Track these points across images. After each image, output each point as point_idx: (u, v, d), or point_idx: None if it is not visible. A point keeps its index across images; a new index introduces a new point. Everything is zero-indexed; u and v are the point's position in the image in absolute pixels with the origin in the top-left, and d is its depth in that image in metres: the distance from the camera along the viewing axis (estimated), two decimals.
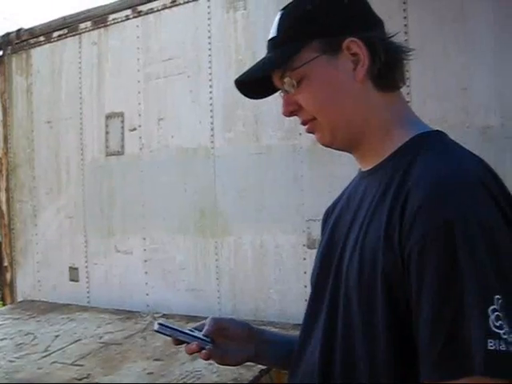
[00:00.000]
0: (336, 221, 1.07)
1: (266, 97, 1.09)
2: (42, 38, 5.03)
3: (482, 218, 0.79)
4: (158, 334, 1.06)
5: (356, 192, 1.04)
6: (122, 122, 4.62)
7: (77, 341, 3.65)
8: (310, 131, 1.03)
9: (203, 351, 1.04)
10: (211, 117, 4.11)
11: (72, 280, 5.02)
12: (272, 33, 1.01)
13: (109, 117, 4.67)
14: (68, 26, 4.80)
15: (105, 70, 4.68)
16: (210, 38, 4.04)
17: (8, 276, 5.61)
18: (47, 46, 5.01)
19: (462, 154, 0.91)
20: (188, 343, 1.05)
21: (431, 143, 0.93)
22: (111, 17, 4.52)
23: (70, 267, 5.03)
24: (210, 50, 4.05)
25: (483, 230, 0.78)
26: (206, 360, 1.06)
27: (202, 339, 1.05)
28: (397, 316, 0.85)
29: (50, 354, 3.44)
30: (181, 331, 1.05)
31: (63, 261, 5.08)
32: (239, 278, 4.06)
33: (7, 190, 5.55)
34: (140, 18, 4.38)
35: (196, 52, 4.13)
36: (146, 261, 4.54)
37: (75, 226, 4.99)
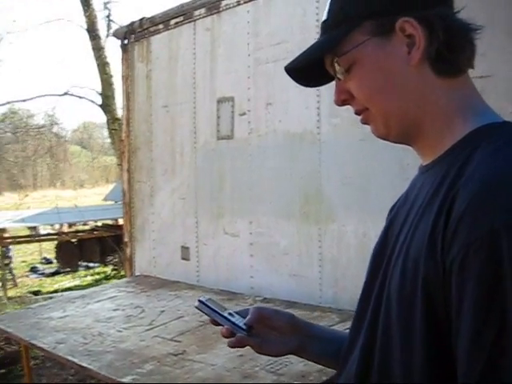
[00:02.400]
0: (392, 218, 1.00)
1: (322, 84, 1.04)
2: (160, 26, 5.23)
3: None
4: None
5: (413, 189, 0.96)
6: (233, 106, 4.69)
7: (179, 317, 3.80)
8: (364, 122, 0.97)
9: (231, 338, 1.03)
10: (318, 102, 4.05)
11: (184, 259, 5.24)
12: (324, 16, 0.96)
13: (220, 101, 4.77)
14: (184, 14, 4.94)
15: (217, 56, 4.78)
16: (317, 20, 3.96)
17: (128, 251, 5.98)
18: (165, 33, 5.21)
19: None
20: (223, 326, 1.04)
21: (495, 136, 0.82)
22: (223, 3, 4.59)
23: (182, 246, 5.25)
24: (317, 33, 3.96)
25: None
26: (232, 347, 1.04)
27: (238, 326, 1.03)
28: (435, 327, 0.78)
29: (153, 328, 3.62)
30: (218, 313, 1.04)
31: (176, 240, 5.31)
32: (341, 266, 3.99)
33: (129, 170, 5.89)
34: (250, 3, 4.39)
35: (304, 35, 4.07)
36: (251, 244, 4.61)
37: (187, 206, 5.18)
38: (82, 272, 15.36)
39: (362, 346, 0.93)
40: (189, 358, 3.01)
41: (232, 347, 1.04)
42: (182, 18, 4.98)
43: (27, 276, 16.24)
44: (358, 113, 0.96)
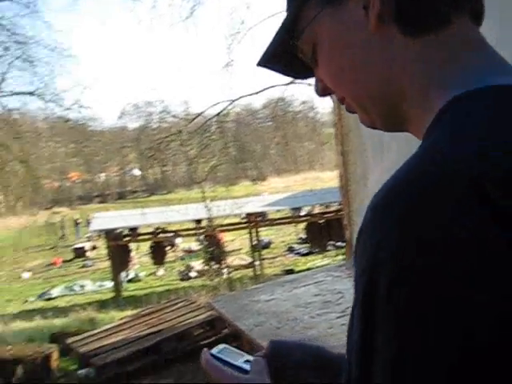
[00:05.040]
0: None
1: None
2: None
3: (429, 260, 0.48)
4: None
5: None
6: None
7: None
8: (349, 111, 0.78)
9: None
10: None
11: None
12: None
13: None
14: None
15: None
16: None
17: (347, 234, 5.96)
18: None
19: (478, 135, 0.53)
20: None
21: (455, 115, 0.58)
22: None
23: None
24: None
25: (425, 279, 0.48)
26: None
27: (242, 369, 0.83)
28: None
29: (344, 316, 3.54)
30: (231, 364, 0.84)
31: None
32: None
33: (343, 153, 5.84)
34: None
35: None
36: None
37: None
38: (332, 252, 15.90)
39: None
40: None
41: None
42: None
43: (284, 255, 17.47)
44: (340, 102, 0.77)
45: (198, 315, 5.93)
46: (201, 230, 14.06)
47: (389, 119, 0.69)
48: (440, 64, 0.62)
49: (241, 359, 0.86)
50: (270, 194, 24.82)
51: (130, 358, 5.65)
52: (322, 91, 0.74)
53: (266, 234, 19.52)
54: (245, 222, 14.77)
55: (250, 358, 0.86)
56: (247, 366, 0.83)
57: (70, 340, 6.63)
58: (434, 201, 0.49)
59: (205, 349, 0.86)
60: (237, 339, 5.24)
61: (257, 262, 14.10)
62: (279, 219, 16.61)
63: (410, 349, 0.47)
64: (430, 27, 0.62)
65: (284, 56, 0.76)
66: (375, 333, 0.50)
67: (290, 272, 13.23)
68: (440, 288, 0.47)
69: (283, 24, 0.72)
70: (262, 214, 16.90)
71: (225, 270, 11.69)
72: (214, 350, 0.87)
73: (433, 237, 0.48)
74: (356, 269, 0.53)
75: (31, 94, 12.28)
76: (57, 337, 7.78)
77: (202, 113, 13.28)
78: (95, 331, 6.84)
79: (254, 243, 14.48)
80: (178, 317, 5.99)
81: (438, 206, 0.48)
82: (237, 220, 16.57)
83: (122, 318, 7.72)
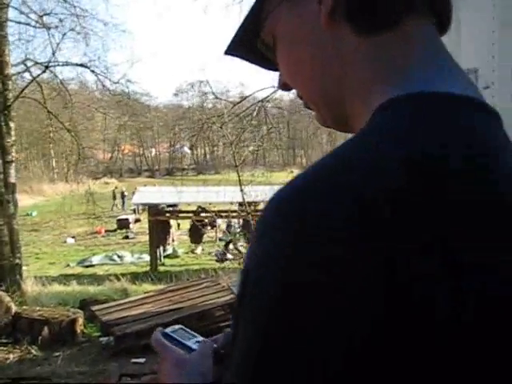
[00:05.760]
0: None
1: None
2: None
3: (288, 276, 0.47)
4: None
5: None
6: (476, 78, 4.17)
7: None
8: (307, 107, 0.77)
9: None
10: None
11: None
12: None
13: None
14: None
15: (460, 20, 4.28)
16: None
17: None
18: None
19: (382, 149, 0.51)
20: None
21: (378, 120, 0.56)
22: None
23: None
24: None
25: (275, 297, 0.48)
26: None
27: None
28: None
29: None
30: (181, 343, 0.84)
31: None
32: None
33: None
34: None
35: None
36: None
37: None
38: None
39: None
40: None
41: None
42: None
43: None
44: (299, 97, 0.76)
45: (220, 297, 5.99)
46: (235, 213, 14.02)
47: (337, 119, 0.68)
48: (387, 66, 0.60)
49: (192, 340, 0.85)
50: None
51: (148, 331, 5.75)
52: (283, 86, 0.73)
53: None
54: None
55: (202, 339, 0.87)
56: (196, 347, 0.83)
57: (94, 307, 6.82)
58: (321, 214, 0.47)
59: (159, 328, 0.86)
60: None
61: None
62: None
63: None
64: (380, 27, 0.60)
65: (249, 46, 0.74)
66: (237, 340, 0.50)
67: None
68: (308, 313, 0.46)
69: (248, 13, 0.71)
70: None
71: None
72: (168, 329, 0.88)
73: (313, 254, 0.46)
74: (243, 267, 0.52)
75: (83, 65, 12.54)
76: (86, 303, 8.02)
77: (247, 97, 13.24)
78: (119, 301, 7.02)
79: None
80: (201, 296, 6.07)
81: (325, 221, 0.47)
82: None
83: (146, 292, 7.88)
